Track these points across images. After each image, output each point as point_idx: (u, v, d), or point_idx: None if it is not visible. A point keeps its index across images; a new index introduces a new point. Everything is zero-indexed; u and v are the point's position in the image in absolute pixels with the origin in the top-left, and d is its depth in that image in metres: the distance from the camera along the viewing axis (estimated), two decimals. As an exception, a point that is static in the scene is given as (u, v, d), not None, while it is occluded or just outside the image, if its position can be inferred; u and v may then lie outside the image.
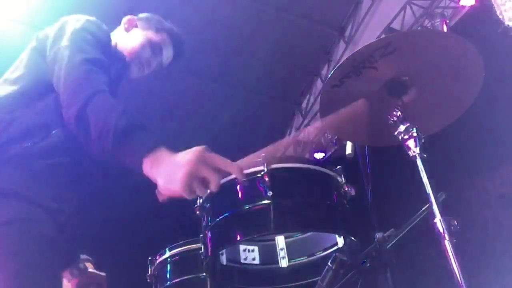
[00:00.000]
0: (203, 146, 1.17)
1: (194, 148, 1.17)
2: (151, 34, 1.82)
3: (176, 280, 2.36)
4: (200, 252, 1.83)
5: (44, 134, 1.41)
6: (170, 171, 1.14)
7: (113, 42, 1.76)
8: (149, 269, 2.50)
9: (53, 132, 1.41)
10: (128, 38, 1.81)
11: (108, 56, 1.56)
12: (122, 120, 1.20)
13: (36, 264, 1.28)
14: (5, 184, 1.34)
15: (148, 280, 2.48)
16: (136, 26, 1.84)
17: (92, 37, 1.53)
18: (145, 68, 1.82)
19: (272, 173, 1.64)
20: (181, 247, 2.42)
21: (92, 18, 1.63)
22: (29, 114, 1.43)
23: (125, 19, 1.85)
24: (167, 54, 1.87)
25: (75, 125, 1.27)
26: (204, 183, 1.15)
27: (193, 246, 2.36)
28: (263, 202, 1.61)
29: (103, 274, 1.78)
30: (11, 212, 1.30)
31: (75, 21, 1.57)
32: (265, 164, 1.64)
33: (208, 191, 1.16)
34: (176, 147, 1.23)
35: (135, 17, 1.87)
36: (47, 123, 1.40)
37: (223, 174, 1.18)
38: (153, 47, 1.81)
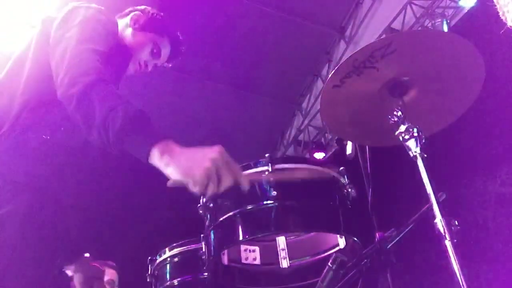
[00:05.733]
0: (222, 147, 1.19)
1: (216, 146, 1.18)
2: (155, 37, 1.84)
3: (176, 280, 2.36)
4: (201, 251, 1.83)
5: (57, 127, 1.40)
6: (193, 161, 1.14)
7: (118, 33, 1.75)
8: (149, 269, 2.50)
9: (62, 128, 1.40)
10: (132, 35, 1.81)
11: (114, 48, 1.55)
12: (133, 106, 1.20)
13: (27, 267, 1.28)
14: (21, 176, 1.33)
15: (148, 280, 2.48)
16: (142, 25, 1.83)
17: (102, 28, 1.52)
18: (142, 69, 1.84)
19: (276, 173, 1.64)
20: (181, 247, 2.41)
21: (102, 8, 1.63)
22: (42, 103, 1.41)
23: (133, 15, 1.85)
24: (164, 56, 1.90)
25: (76, 104, 1.24)
26: (217, 181, 1.15)
27: (193, 246, 2.36)
28: (267, 202, 1.61)
29: (103, 267, 1.78)
30: (22, 206, 1.30)
31: (86, 9, 1.56)
32: (269, 165, 1.64)
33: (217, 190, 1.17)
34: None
35: (142, 14, 1.86)
36: (59, 115, 1.37)
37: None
38: (153, 51, 1.83)
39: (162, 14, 1.91)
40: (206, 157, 1.14)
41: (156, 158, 1.15)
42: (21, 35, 4.25)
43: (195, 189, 1.14)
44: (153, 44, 1.82)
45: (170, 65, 1.96)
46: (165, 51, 1.88)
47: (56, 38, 1.46)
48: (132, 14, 1.85)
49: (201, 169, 1.12)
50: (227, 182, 1.15)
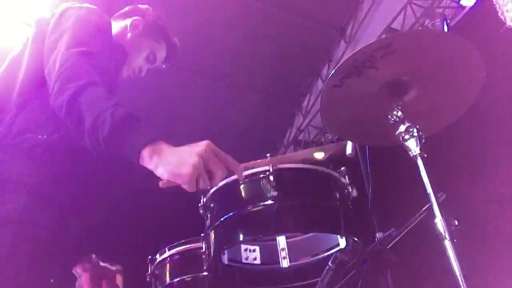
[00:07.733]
0: (209, 141, 1.17)
1: (204, 141, 1.16)
2: (152, 43, 1.84)
3: (176, 280, 2.36)
4: (201, 251, 1.83)
5: (54, 128, 1.39)
6: (180, 159, 1.13)
7: (113, 32, 1.72)
8: (149, 268, 2.50)
9: (61, 128, 1.39)
10: (129, 39, 1.81)
11: (108, 47, 1.55)
12: (120, 109, 1.19)
13: (25, 269, 1.27)
14: (18, 176, 1.32)
15: (148, 279, 2.49)
16: (141, 32, 1.83)
17: (94, 28, 1.51)
18: (135, 74, 1.84)
19: (277, 173, 1.64)
20: (181, 246, 2.42)
21: (94, 7, 1.61)
22: (39, 104, 1.40)
23: (133, 21, 1.84)
24: (159, 61, 1.91)
25: (66, 112, 1.24)
26: (209, 176, 1.14)
27: (193, 245, 2.36)
28: (268, 202, 1.61)
29: (114, 268, 1.78)
30: (11, 208, 1.28)
31: (78, 9, 1.55)
32: (270, 165, 1.64)
33: (210, 185, 1.16)
34: (176, 146, 1.23)
35: (141, 19, 1.86)
36: (55, 116, 1.35)
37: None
38: (148, 57, 1.84)
39: (162, 18, 1.91)
40: (192, 153, 1.13)
41: (146, 161, 1.15)
42: (20, 34, 4.25)
43: (186, 187, 1.13)
44: (149, 50, 1.83)
45: (163, 66, 1.97)
46: (160, 56, 1.89)
47: (50, 45, 1.44)
48: (132, 19, 1.85)
49: (189, 166, 1.11)
50: (218, 175, 1.14)
